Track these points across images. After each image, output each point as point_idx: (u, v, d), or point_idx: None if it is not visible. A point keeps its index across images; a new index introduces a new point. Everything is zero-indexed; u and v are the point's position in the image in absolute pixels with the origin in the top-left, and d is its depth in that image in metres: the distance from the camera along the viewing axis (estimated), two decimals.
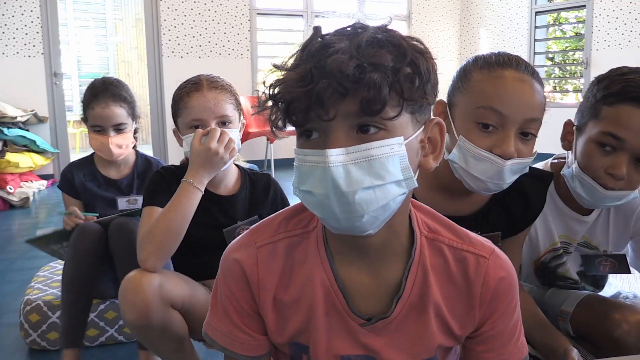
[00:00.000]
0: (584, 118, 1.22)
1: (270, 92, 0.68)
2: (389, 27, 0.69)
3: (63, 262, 1.78)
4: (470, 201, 1.21)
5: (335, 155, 0.65)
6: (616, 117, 1.14)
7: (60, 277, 1.97)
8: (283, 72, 0.68)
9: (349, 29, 0.68)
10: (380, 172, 0.66)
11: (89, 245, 1.63)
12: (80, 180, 1.92)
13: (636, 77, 1.15)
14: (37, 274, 2.11)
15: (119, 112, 1.86)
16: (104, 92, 1.85)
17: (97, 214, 1.82)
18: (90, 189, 1.92)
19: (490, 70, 1.07)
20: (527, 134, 1.07)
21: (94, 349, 1.83)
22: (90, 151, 1.96)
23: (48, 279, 2.04)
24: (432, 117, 0.75)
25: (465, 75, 1.11)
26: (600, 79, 1.21)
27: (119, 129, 1.86)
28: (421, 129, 0.72)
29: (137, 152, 2.02)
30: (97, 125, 1.85)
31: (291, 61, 0.69)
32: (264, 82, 0.69)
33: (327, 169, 0.65)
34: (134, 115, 1.93)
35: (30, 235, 1.87)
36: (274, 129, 0.71)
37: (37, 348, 1.81)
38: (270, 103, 0.69)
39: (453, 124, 1.11)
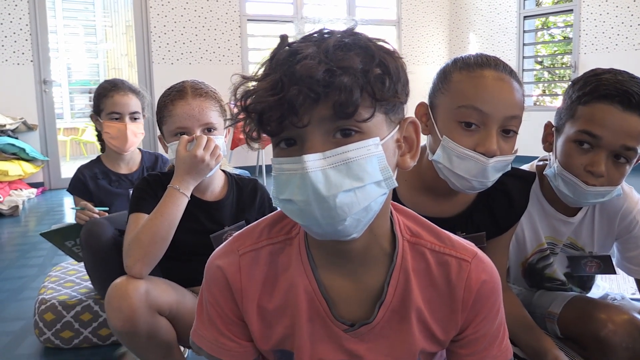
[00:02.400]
0: (562, 119, 1.24)
1: (242, 104, 0.68)
2: (355, 30, 0.69)
3: (76, 262, 1.83)
4: (455, 202, 1.22)
5: (313, 161, 0.65)
6: (591, 115, 1.16)
7: (72, 278, 2.06)
8: (253, 83, 0.68)
9: (315, 35, 0.68)
10: (359, 174, 0.66)
11: (101, 242, 1.60)
12: (92, 179, 1.99)
13: (608, 77, 1.17)
14: (49, 274, 2.14)
15: (136, 102, 2.01)
16: (122, 83, 2.01)
17: (107, 208, 1.87)
18: (103, 187, 1.99)
19: (470, 70, 1.10)
20: (509, 131, 1.09)
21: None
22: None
23: (61, 279, 2.06)
24: (407, 116, 0.75)
25: (445, 76, 1.13)
26: (575, 81, 1.24)
27: (134, 117, 2.00)
28: (396, 128, 0.72)
29: (139, 149, 2.13)
30: (115, 112, 1.98)
31: (261, 72, 0.69)
32: (235, 95, 0.69)
33: (306, 175, 0.65)
34: (144, 110, 2.05)
35: (44, 229, 1.89)
36: (249, 141, 0.71)
37: (51, 346, 1.84)
38: (242, 115, 0.69)
39: (436, 125, 1.12)
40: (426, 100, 1.18)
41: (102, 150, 2.13)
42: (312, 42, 0.67)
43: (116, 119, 1.99)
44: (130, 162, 2.10)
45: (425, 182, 1.18)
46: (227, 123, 1.48)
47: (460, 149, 1.07)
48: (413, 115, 0.77)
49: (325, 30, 0.68)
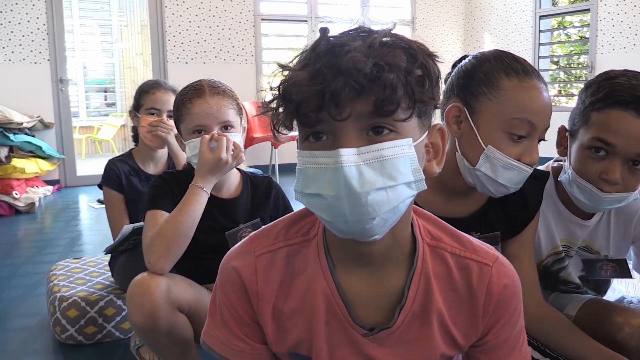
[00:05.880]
0: (576, 125, 1.22)
1: (279, 92, 0.66)
2: (393, 31, 0.68)
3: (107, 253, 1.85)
4: (469, 202, 1.22)
5: (348, 155, 0.63)
6: (605, 123, 1.14)
7: (80, 275, 2.10)
8: (289, 72, 0.66)
9: (352, 32, 0.67)
10: (392, 173, 0.65)
11: None
12: (125, 175, 2.01)
13: (623, 81, 1.14)
14: (53, 273, 2.15)
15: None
16: (164, 83, 2.09)
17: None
18: (134, 185, 2.01)
19: (520, 79, 1.08)
20: (540, 140, 1.11)
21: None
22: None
23: (68, 277, 2.08)
24: (435, 122, 0.74)
25: (490, 80, 1.10)
26: (588, 85, 1.21)
27: (171, 115, 1.99)
28: (425, 133, 0.72)
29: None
30: (154, 108, 2.03)
31: (296, 61, 0.67)
32: (269, 83, 0.67)
33: (340, 169, 0.63)
34: None
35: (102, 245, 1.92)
36: (277, 131, 0.69)
37: (73, 343, 1.86)
38: (274, 104, 0.67)
39: (477, 131, 1.10)
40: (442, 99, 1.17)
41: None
42: (356, 37, 0.65)
43: (154, 114, 2.02)
44: (159, 162, 2.12)
45: (442, 182, 1.18)
46: (244, 122, 1.49)
47: (508, 160, 1.07)
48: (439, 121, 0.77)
49: (362, 29, 0.67)
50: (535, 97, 1.07)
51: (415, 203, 1.14)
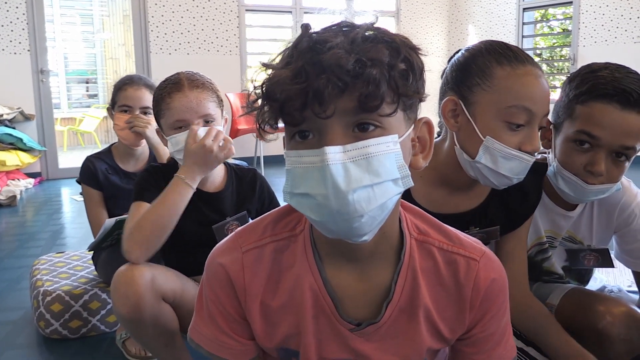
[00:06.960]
0: (560, 117, 1.23)
1: (262, 92, 0.65)
2: (376, 24, 0.67)
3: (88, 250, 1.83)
4: (470, 196, 1.22)
5: (334, 154, 0.63)
6: (589, 116, 1.14)
7: (64, 269, 2.08)
8: (272, 71, 0.65)
9: (334, 27, 0.66)
10: (378, 170, 0.64)
11: None
12: (102, 173, 1.96)
13: (606, 74, 1.15)
14: (36, 267, 2.12)
15: (148, 97, 1.94)
16: (138, 79, 2.00)
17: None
18: (113, 182, 1.96)
19: (513, 66, 1.07)
20: (540, 128, 1.10)
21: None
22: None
23: (51, 271, 2.06)
24: (421, 116, 0.74)
25: (483, 71, 1.08)
26: (572, 78, 1.22)
27: (145, 112, 1.95)
28: (411, 127, 0.71)
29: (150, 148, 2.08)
30: (126, 105, 1.96)
31: (279, 59, 0.67)
32: (252, 82, 0.67)
33: (326, 167, 0.62)
34: None
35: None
36: (263, 130, 0.69)
37: (57, 337, 1.84)
38: (259, 103, 0.67)
39: (474, 123, 1.09)
40: (435, 95, 1.17)
41: None
42: (338, 32, 0.64)
43: (126, 111, 1.96)
44: (139, 160, 2.06)
45: (443, 177, 1.17)
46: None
47: (507, 150, 1.06)
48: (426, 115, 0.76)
49: (345, 23, 0.66)
50: (530, 83, 1.06)
51: (415, 199, 1.13)
